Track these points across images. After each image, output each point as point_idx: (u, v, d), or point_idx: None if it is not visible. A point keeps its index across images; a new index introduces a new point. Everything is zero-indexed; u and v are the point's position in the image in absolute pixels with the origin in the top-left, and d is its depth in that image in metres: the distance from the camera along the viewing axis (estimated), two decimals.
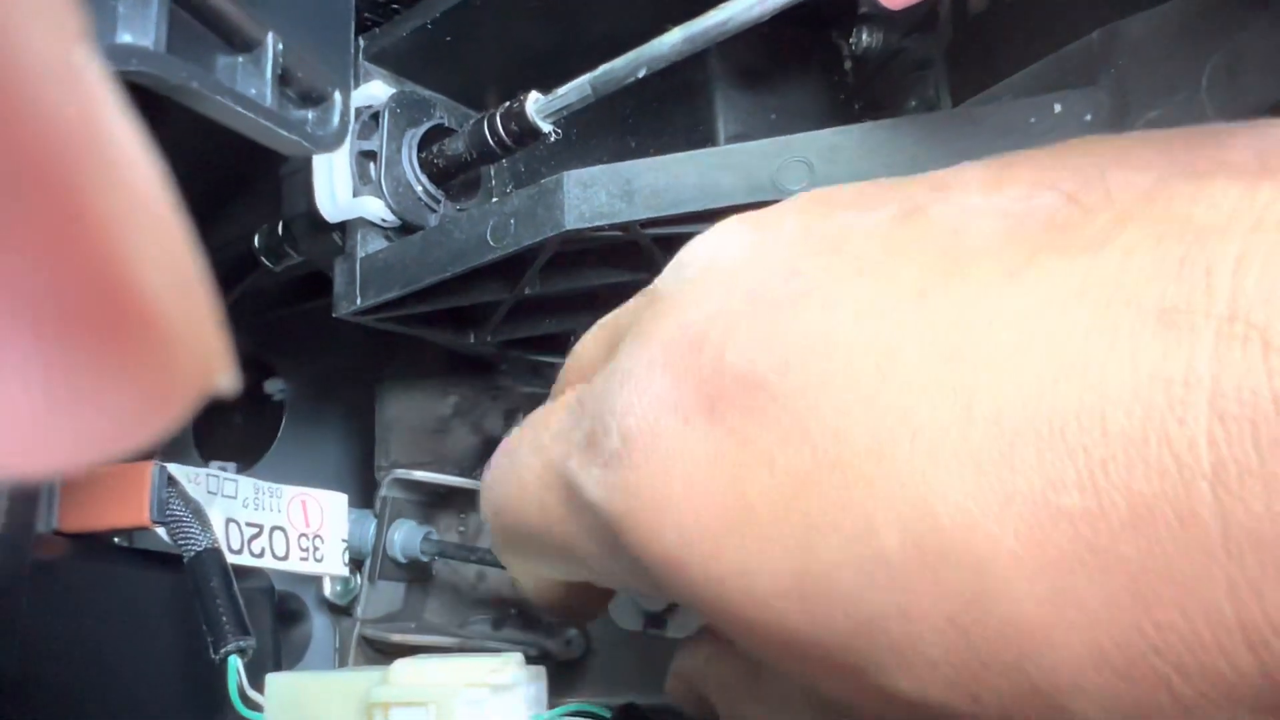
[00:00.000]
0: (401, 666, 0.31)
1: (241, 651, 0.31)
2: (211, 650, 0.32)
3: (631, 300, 0.26)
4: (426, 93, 0.42)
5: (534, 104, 0.37)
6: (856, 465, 0.18)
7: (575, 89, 0.36)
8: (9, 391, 0.07)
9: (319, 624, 0.51)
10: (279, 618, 0.46)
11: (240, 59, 0.24)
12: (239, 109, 0.23)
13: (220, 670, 0.32)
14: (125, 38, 0.21)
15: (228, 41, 0.24)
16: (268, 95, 0.24)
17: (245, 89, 0.24)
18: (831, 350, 0.19)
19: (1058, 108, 0.29)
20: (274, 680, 0.32)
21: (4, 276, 0.06)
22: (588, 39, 0.40)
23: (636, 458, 0.20)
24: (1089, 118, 0.29)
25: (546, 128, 0.37)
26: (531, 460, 0.25)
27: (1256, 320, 0.14)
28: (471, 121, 0.38)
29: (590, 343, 0.28)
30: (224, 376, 0.08)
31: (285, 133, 0.24)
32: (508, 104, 0.37)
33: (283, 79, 0.25)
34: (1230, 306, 0.15)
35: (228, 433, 0.64)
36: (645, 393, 0.21)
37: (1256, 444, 0.14)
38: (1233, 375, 0.14)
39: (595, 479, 0.21)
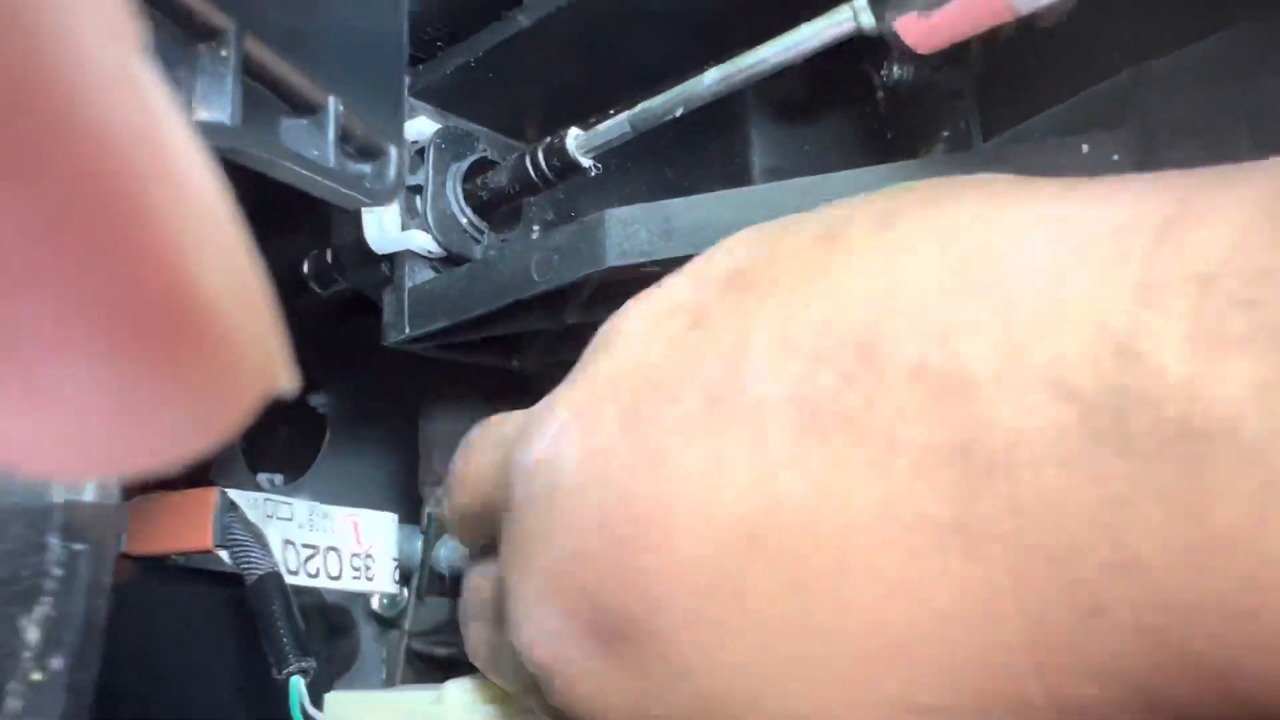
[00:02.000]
0: (454, 687, 0.32)
1: (303, 672, 0.33)
2: (275, 670, 0.33)
3: (509, 454, 0.27)
4: (469, 125, 0.44)
5: (574, 140, 0.38)
6: (736, 702, 0.20)
7: (615, 126, 0.37)
8: (80, 397, 0.07)
9: (366, 635, 0.52)
10: (328, 630, 0.48)
11: (303, 121, 0.26)
12: (306, 172, 0.24)
13: (281, 687, 0.34)
14: (203, 114, 0.22)
15: (291, 106, 0.25)
16: (330, 156, 0.25)
17: (309, 151, 0.25)
18: (693, 585, 0.21)
19: (1085, 148, 0.30)
20: (333, 700, 0.33)
21: (71, 283, 0.07)
22: (625, 72, 0.41)
23: (558, 685, 0.23)
24: (1116, 158, 0.30)
25: (586, 163, 0.38)
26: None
27: None
28: (514, 156, 0.40)
29: (483, 462, 0.29)
30: (284, 379, 0.08)
31: (347, 190, 0.25)
32: (549, 140, 0.38)
33: (342, 137, 0.26)
34: None
35: (274, 444, 0.65)
36: (546, 629, 0.23)
37: None
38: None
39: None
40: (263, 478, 0.60)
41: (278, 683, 0.35)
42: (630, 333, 0.24)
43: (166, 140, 0.07)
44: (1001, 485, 0.18)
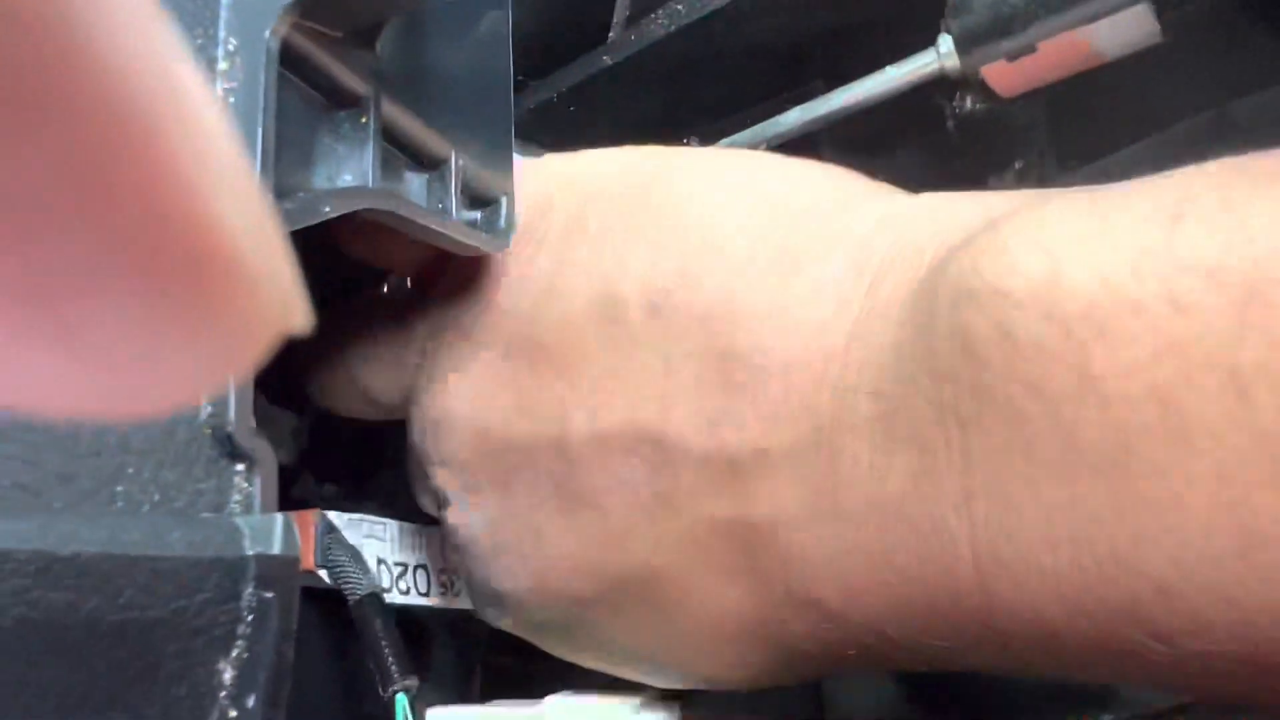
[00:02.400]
0: (553, 704, 0.34)
1: (407, 690, 0.34)
2: (380, 689, 0.35)
3: None
4: (546, 153, 0.45)
5: None
6: None
7: None
8: (109, 336, 0.07)
9: (440, 646, 0.54)
10: (406, 638, 0.50)
11: (427, 176, 0.27)
12: (434, 226, 0.25)
13: (378, 703, 0.36)
14: (346, 178, 0.24)
15: (417, 162, 0.27)
16: (453, 208, 0.27)
17: (434, 205, 0.27)
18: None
19: None
20: (435, 715, 0.35)
21: (96, 224, 0.07)
22: (699, 103, 0.43)
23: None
24: None
25: None
26: None
27: None
28: None
29: (382, 385, 0.36)
30: (299, 316, 0.08)
31: (469, 240, 0.27)
32: None
33: (461, 188, 0.28)
34: None
35: (336, 454, 0.67)
36: None
37: None
38: None
39: None
40: (328, 487, 0.61)
41: (373, 697, 0.37)
42: (468, 410, 0.30)
43: (180, 81, 0.07)
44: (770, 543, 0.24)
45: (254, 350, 0.08)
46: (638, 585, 0.27)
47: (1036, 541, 0.19)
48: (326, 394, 0.37)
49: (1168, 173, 0.20)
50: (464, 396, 0.30)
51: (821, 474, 0.23)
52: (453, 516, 0.32)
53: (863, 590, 0.23)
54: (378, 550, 0.41)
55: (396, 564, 0.42)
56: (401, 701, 0.35)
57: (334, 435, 0.48)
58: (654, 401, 0.26)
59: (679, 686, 0.31)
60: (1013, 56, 0.30)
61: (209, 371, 0.08)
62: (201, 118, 0.07)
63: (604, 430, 0.26)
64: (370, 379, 0.34)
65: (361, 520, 0.41)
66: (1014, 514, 0.20)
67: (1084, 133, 0.37)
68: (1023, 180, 0.39)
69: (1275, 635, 0.18)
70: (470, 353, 0.30)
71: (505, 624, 0.34)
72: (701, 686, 0.31)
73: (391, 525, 0.42)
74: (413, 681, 0.35)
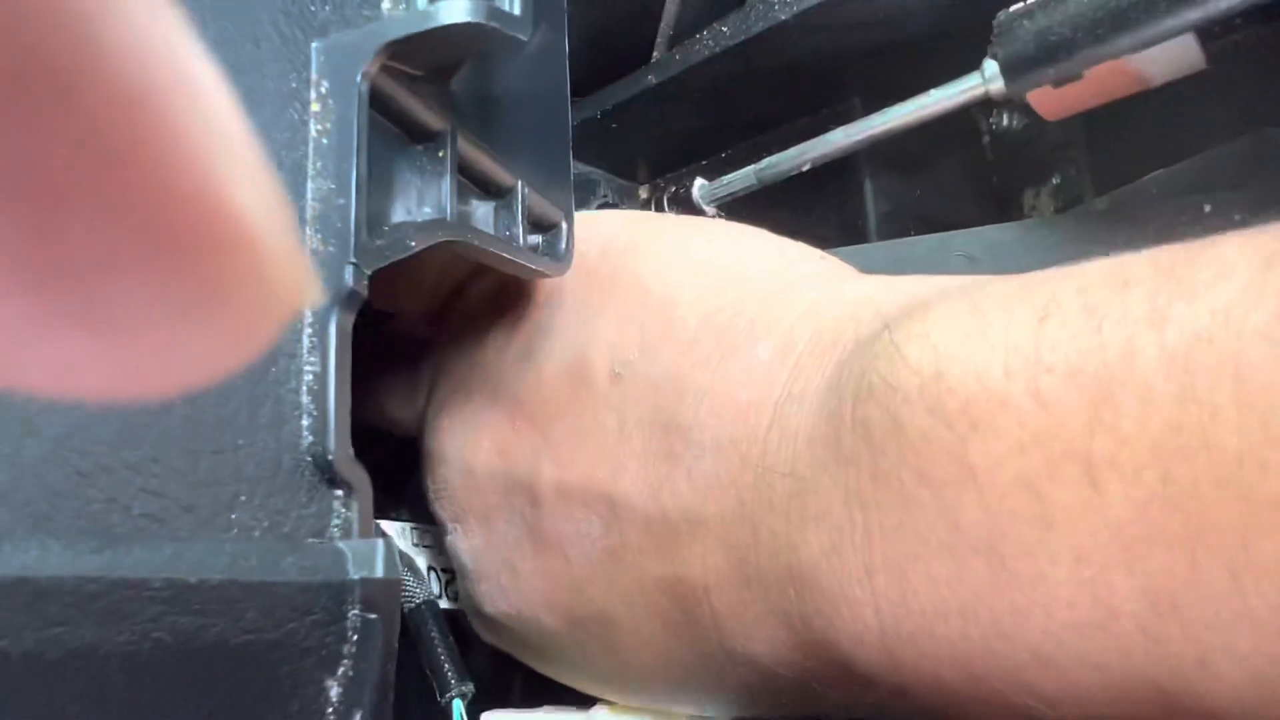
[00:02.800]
0: (601, 716, 0.35)
1: (463, 696, 0.35)
2: (437, 695, 0.36)
3: None
4: (589, 169, 0.46)
5: (699, 190, 0.40)
6: None
7: (741, 179, 0.39)
8: (132, 316, 0.07)
9: (481, 649, 0.55)
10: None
11: (494, 204, 0.28)
12: (504, 254, 0.26)
13: (432, 708, 0.37)
14: (426, 211, 0.25)
15: (486, 191, 0.28)
16: (520, 234, 0.28)
17: (502, 231, 0.28)
18: (543, 651, 0.35)
19: (1208, 208, 0.32)
20: (489, 719, 0.36)
21: (118, 207, 0.07)
22: (739, 120, 0.43)
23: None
24: (1239, 218, 0.32)
25: (710, 211, 0.40)
26: None
27: None
28: (639, 204, 0.42)
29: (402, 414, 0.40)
30: (310, 293, 0.08)
31: (535, 266, 0.27)
32: (674, 189, 0.41)
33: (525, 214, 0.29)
34: None
35: (369, 465, 0.68)
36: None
37: None
38: None
39: None
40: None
41: (422, 703, 0.38)
42: (456, 449, 0.33)
43: (192, 68, 0.07)
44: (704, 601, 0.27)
45: (270, 327, 0.08)
46: (596, 627, 0.30)
47: (930, 612, 0.21)
48: (362, 409, 0.41)
49: (1042, 271, 0.22)
50: (454, 436, 0.34)
51: (745, 544, 0.25)
52: (448, 540, 0.36)
53: (786, 649, 0.25)
54: (428, 558, 0.42)
55: (445, 570, 0.43)
56: (458, 707, 0.36)
57: (370, 440, 0.49)
58: (609, 462, 0.28)
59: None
60: (1059, 82, 0.30)
61: (226, 349, 0.08)
62: (213, 104, 0.07)
63: (567, 482, 0.29)
64: (390, 406, 0.38)
65: (413, 528, 0.42)
66: (910, 587, 0.21)
67: (1121, 152, 0.38)
68: (1058, 198, 0.40)
69: (1140, 700, 0.19)
70: (463, 398, 0.33)
71: (488, 638, 0.37)
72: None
73: (438, 533, 0.43)
74: (468, 687, 0.36)
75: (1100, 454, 0.19)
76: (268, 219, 0.08)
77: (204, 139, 0.07)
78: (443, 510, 0.35)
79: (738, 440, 0.25)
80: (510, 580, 0.33)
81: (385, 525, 0.40)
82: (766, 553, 0.24)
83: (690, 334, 0.27)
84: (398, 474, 0.67)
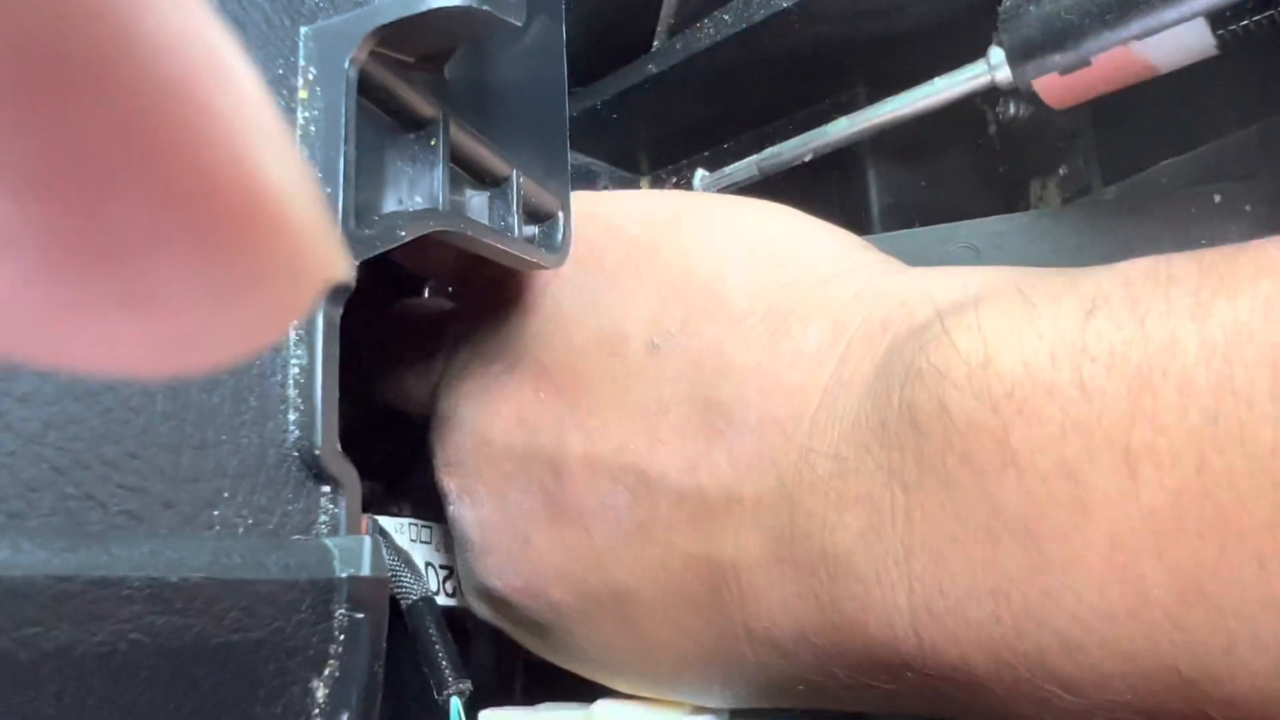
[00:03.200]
0: (602, 709, 0.34)
1: (461, 693, 0.35)
2: (435, 692, 0.35)
3: None
4: (589, 160, 0.45)
5: (700, 180, 0.40)
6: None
7: (743, 169, 0.38)
8: (173, 292, 0.07)
9: (480, 645, 0.55)
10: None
11: (489, 193, 0.27)
12: (499, 244, 0.26)
13: (429, 705, 0.36)
14: (417, 200, 0.24)
15: (480, 181, 0.27)
16: (515, 225, 0.27)
17: (497, 222, 0.27)
18: (556, 622, 0.33)
19: (1217, 198, 0.31)
20: (487, 717, 0.35)
21: (157, 185, 0.07)
22: (740, 110, 0.43)
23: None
24: (1249, 208, 0.31)
25: None
26: None
27: None
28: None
29: (415, 390, 0.38)
30: (342, 265, 0.08)
31: (530, 257, 0.27)
32: (675, 180, 0.40)
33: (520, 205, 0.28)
34: None
35: (372, 456, 0.68)
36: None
37: None
38: None
39: None
40: (365, 485, 0.62)
41: (419, 700, 0.37)
42: (473, 416, 0.32)
43: (221, 49, 0.07)
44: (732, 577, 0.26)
45: (304, 299, 0.08)
46: (612, 603, 0.29)
47: (963, 595, 0.22)
48: (375, 388, 0.40)
49: (1089, 269, 0.23)
50: (471, 402, 0.33)
51: (782, 523, 0.25)
52: (451, 511, 0.34)
53: (812, 632, 0.25)
54: (425, 554, 0.42)
55: (442, 566, 0.42)
56: (456, 705, 0.35)
57: (370, 436, 0.48)
58: (644, 436, 0.28)
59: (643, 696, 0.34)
60: (1066, 70, 0.30)
61: (263, 322, 0.08)
62: (241, 82, 0.07)
63: (596, 454, 0.29)
64: (408, 381, 0.37)
65: (410, 524, 0.42)
66: (946, 569, 0.22)
67: (1129, 142, 0.37)
68: (1065, 189, 0.39)
69: (1161, 689, 0.20)
70: (482, 363, 0.33)
71: (488, 616, 0.36)
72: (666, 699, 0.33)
73: (436, 528, 0.43)
74: (466, 685, 0.36)
75: (1138, 442, 0.19)
76: (300, 194, 0.08)
77: (238, 119, 0.07)
78: (451, 479, 0.34)
79: (783, 421, 0.25)
80: (522, 552, 0.32)
81: (383, 521, 0.40)
82: (802, 534, 0.24)
83: (738, 312, 0.27)
84: (399, 471, 0.67)
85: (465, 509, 0.34)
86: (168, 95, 0.07)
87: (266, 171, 0.07)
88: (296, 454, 0.20)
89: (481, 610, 0.36)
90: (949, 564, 0.22)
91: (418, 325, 0.37)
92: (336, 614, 0.19)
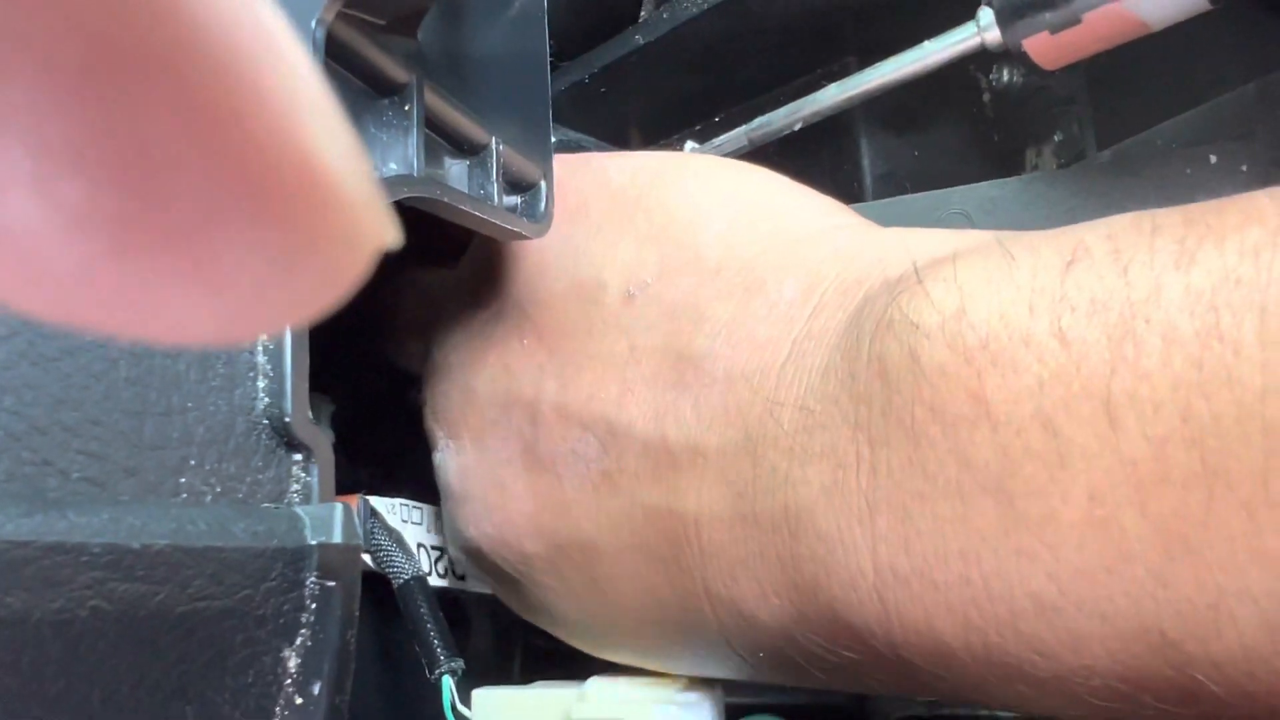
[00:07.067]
0: (596, 685, 0.34)
1: (453, 672, 0.35)
2: (427, 671, 0.35)
3: None
4: (577, 135, 0.45)
5: (690, 151, 0.39)
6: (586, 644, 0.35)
7: (732, 140, 0.38)
8: (232, 264, 0.08)
9: (478, 627, 0.54)
10: (447, 620, 0.50)
11: (468, 162, 0.27)
12: (477, 213, 0.25)
13: (420, 683, 0.36)
14: (392, 166, 0.24)
15: (458, 148, 0.27)
16: (494, 193, 0.27)
17: (476, 191, 0.27)
18: (526, 572, 0.33)
19: (1213, 159, 0.31)
20: (481, 697, 0.35)
21: (213, 160, 0.07)
22: (731, 82, 0.42)
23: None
24: (1245, 169, 0.30)
25: None
26: None
27: None
28: None
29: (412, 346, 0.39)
30: (391, 234, 0.08)
31: (511, 226, 0.27)
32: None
33: (501, 173, 0.28)
34: None
35: (370, 438, 0.67)
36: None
37: None
38: None
39: None
40: (363, 471, 0.62)
41: (414, 677, 0.37)
42: (460, 363, 0.32)
43: (270, 26, 0.07)
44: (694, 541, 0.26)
45: (355, 268, 0.08)
46: (577, 553, 0.29)
47: (930, 555, 0.21)
48: (387, 349, 0.40)
49: (1071, 226, 0.22)
50: (459, 350, 0.33)
51: (744, 478, 0.24)
52: (437, 459, 0.35)
53: (773, 593, 0.24)
54: (416, 535, 0.42)
55: (434, 547, 0.42)
56: (447, 683, 0.35)
57: (367, 419, 0.48)
58: (614, 384, 0.28)
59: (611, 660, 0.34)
60: (1056, 29, 0.29)
61: (320, 291, 0.08)
62: (291, 59, 0.08)
63: (568, 401, 0.29)
64: (408, 335, 0.38)
65: (402, 504, 0.41)
66: (912, 528, 0.21)
67: (1125, 105, 0.36)
68: (1060, 155, 0.39)
69: (1142, 651, 0.19)
70: (470, 314, 0.33)
71: (465, 567, 0.37)
72: (632, 664, 0.33)
73: (427, 510, 0.43)
74: (458, 663, 0.36)
75: (1120, 391, 0.18)
76: (354, 165, 0.08)
77: (294, 93, 0.07)
78: (437, 426, 0.34)
79: (750, 373, 0.25)
80: (498, 498, 0.32)
81: (375, 501, 0.40)
82: (764, 489, 0.24)
83: (714, 264, 0.27)
84: (397, 457, 0.66)
85: (450, 456, 0.34)
86: (228, 74, 0.07)
87: (323, 143, 0.08)
88: (266, 421, 0.19)
89: (461, 561, 0.37)
90: (916, 523, 0.21)
91: (421, 287, 0.38)
92: (307, 582, 0.18)
